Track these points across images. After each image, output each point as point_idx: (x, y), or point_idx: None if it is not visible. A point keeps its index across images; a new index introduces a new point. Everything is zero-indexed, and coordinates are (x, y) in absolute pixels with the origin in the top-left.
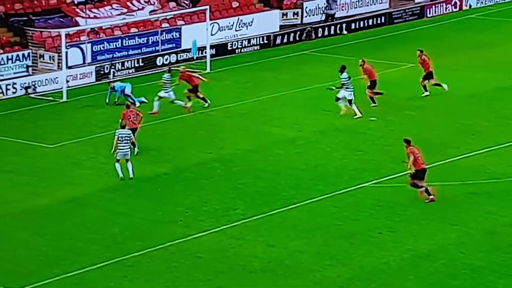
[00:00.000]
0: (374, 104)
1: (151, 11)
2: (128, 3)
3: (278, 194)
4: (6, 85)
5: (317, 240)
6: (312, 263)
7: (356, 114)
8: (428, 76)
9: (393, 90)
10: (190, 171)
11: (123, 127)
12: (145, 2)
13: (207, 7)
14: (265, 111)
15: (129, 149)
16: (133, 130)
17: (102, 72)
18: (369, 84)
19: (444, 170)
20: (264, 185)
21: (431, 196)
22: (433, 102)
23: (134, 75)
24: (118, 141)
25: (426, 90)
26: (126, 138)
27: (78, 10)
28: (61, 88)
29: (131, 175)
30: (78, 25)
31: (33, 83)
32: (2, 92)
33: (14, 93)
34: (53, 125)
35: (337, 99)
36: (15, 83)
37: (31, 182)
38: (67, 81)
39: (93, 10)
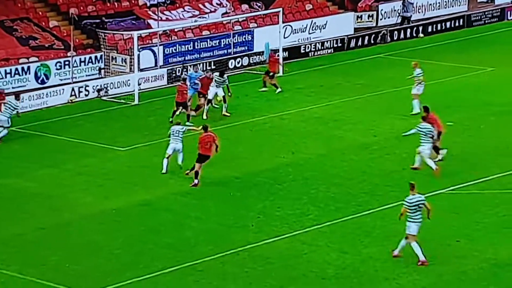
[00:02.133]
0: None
1: (223, 14)
2: (200, 6)
3: (352, 200)
4: (79, 87)
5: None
6: (387, 270)
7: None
8: (271, 75)
9: (471, 94)
10: (263, 175)
11: (177, 124)
12: (217, 4)
13: (280, 9)
14: (339, 115)
15: (181, 144)
16: (182, 104)
17: (174, 75)
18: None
19: None
20: (337, 191)
21: (196, 181)
22: None
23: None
24: (173, 136)
25: (265, 86)
26: (178, 132)
27: (150, 13)
28: (133, 90)
29: (180, 163)
30: (150, 28)
31: (105, 86)
32: (75, 95)
33: (86, 95)
34: (125, 128)
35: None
36: (87, 86)
37: (105, 185)
38: (139, 84)
39: (165, 12)
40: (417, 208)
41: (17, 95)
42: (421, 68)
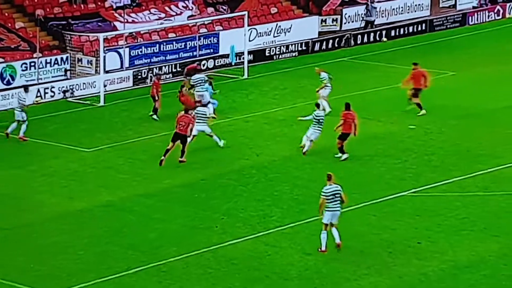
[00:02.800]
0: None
1: (189, 16)
2: (166, 8)
3: (315, 202)
4: (45, 88)
5: (354, 249)
6: (349, 272)
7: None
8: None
9: (433, 98)
10: (227, 177)
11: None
12: (183, 7)
13: (246, 12)
14: None
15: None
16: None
17: (139, 76)
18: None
19: (486, 179)
20: (300, 193)
21: (163, 157)
22: (475, 112)
23: (171, 80)
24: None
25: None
26: (201, 115)
27: (116, 15)
28: (99, 92)
29: (220, 145)
30: (116, 30)
31: (71, 87)
32: (41, 96)
33: (52, 96)
34: (91, 129)
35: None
36: (53, 87)
37: (69, 186)
38: (105, 86)
39: (131, 14)
40: (333, 197)
41: (25, 87)
42: (326, 72)
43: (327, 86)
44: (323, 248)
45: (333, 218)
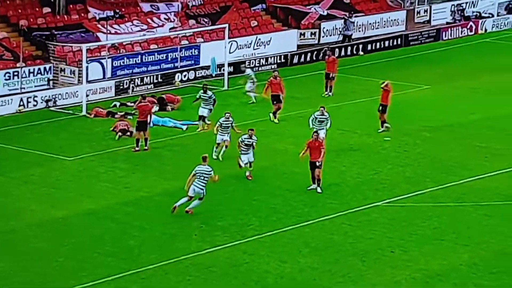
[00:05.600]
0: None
1: (171, 28)
2: (149, 20)
3: (292, 211)
4: (28, 97)
5: (330, 258)
6: (324, 280)
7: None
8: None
9: (407, 111)
10: (207, 186)
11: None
12: (165, 19)
13: (226, 25)
14: (282, 129)
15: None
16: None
17: (121, 87)
18: None
19: (458, 191)
20: (278, 202)
21: (137, 148)
22: (448, 124)
23: (153, 91)
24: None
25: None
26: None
27: (99, 26)
28: (81, 102)
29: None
30: (99, 41)
31: (54, 97)
32: (23, 105)
33: (35, 105)
34: (73, 138)
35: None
36: (36, 96)
37: (51, 193)
38: (87, 95)
39: (114, 26)
40: (201, 176)
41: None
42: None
43: (251, 81)
44: (177, 205)
45: (196, 193)
